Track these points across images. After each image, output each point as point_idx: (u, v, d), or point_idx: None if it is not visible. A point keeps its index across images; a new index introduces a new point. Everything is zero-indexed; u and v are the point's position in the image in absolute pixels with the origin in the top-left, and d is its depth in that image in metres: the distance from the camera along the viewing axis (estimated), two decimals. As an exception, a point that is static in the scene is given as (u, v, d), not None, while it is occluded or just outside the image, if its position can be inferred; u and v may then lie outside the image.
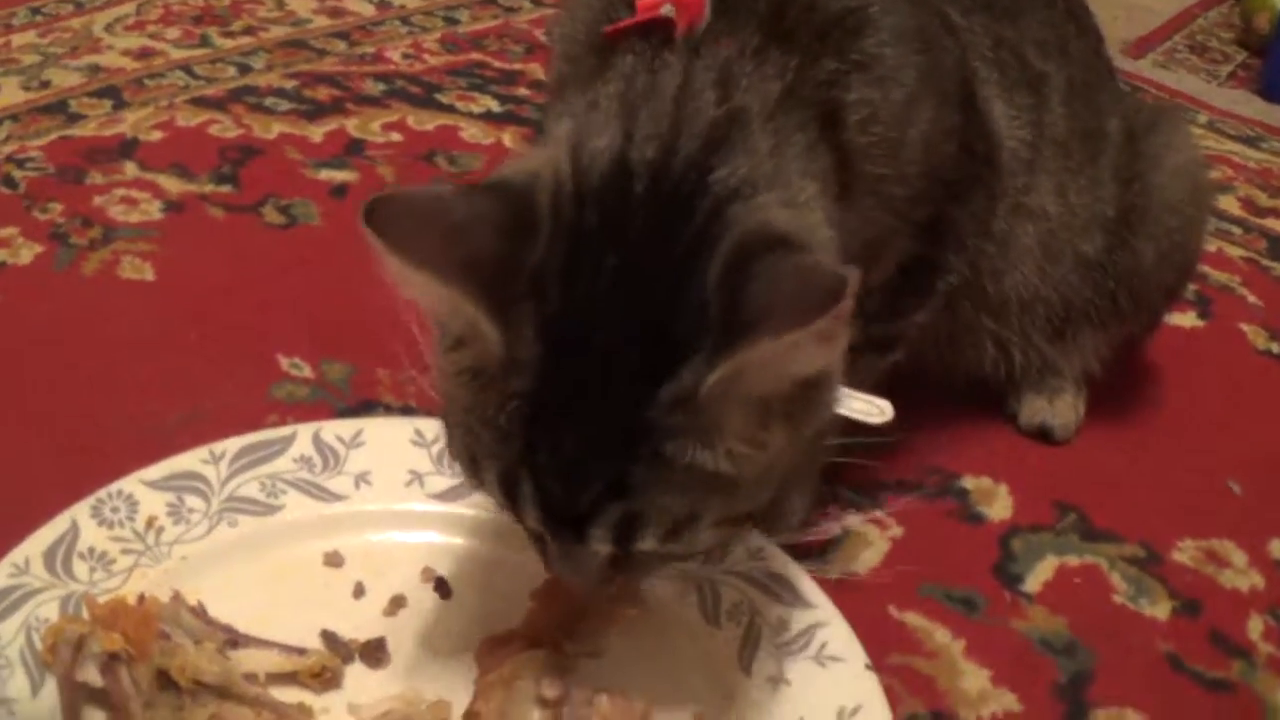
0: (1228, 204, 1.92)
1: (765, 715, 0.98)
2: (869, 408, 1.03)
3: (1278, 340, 1.61)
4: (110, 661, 0.94)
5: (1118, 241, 1.28)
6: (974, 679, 1.10)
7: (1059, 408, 1.37)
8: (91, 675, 0.94)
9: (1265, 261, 1.79)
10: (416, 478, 1.17)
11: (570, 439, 0.78)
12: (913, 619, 1.08)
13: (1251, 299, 1.69)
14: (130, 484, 1.11)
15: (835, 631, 1.04)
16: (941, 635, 1.13)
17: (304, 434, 1.17)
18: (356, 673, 1.03)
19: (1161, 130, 1.33)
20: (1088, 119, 1.26)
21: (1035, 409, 1.38)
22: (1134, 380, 1.47)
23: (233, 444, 1.15)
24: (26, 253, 1.50)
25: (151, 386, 1.28)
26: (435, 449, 1.17)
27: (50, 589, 1.01)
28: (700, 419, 0.77)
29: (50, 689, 0.95)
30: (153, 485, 1.12)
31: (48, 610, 0.99)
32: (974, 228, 1.13)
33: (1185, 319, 1.61)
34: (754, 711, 0.97)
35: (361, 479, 1.16)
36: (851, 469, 1.13)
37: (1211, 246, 1.75)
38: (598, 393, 0.78)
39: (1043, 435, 1.38)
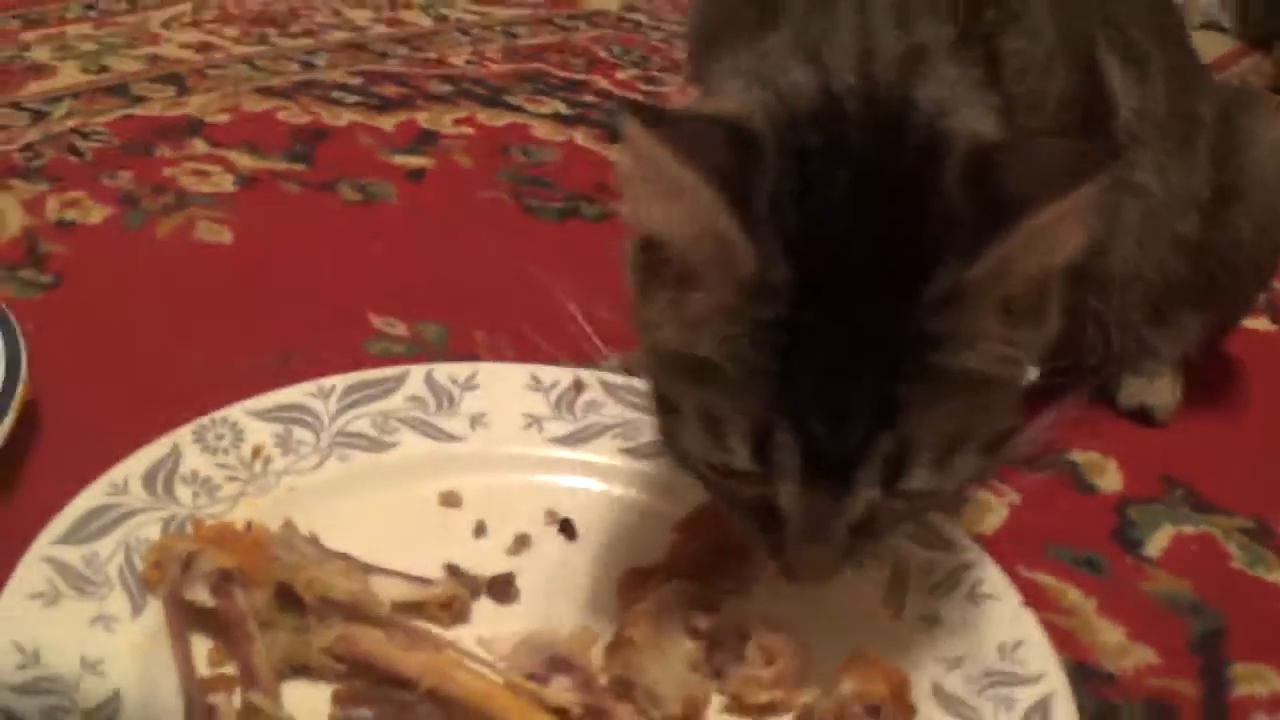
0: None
1: (921, 653, 0.89)
2: None
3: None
4: (223, 580, 0.85)
5: (1214, 221, 1.22)
6: (1111, 634, 1.02)
7: (1158, 388, 1.31)
8: (201, 594, 0.85)
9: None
10: (535, 421, 1.08)
11: (832, 366, 0.71)
12: (1043, 578, 1.00)
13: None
14: (234, 413, 1.01)
15: (985, 572, 0.95)
16: (1074, 594, 1.05)
17: (416, 374, 1.09)
18: (484, 608, 0.94)
19: (1252, 111, 1.27)
20: (1184, 102, 1.21)
21: (1134, 389, 1.31)
22: (1224, 369, 1.42)
23: (341, 380, 1.07)
24: (97, 214, 1.42)
25: (238, 338, 1.20)
26: (554, 394, 1.10)
27: (150, 510, 0.91)
28: (964, 321, 0.71)
29: (154, 610, 0.85)
30: (258, 415, 1.02)
31: (149, 531, 0.89)
32: None
33: (1258, 323, 1.53)
34: (910, 650, 0.88)
35: (477, 420, 1.08)
36: None
37: None
38: (855, 311, 0.71)
39: (1142, 416, 1.31)
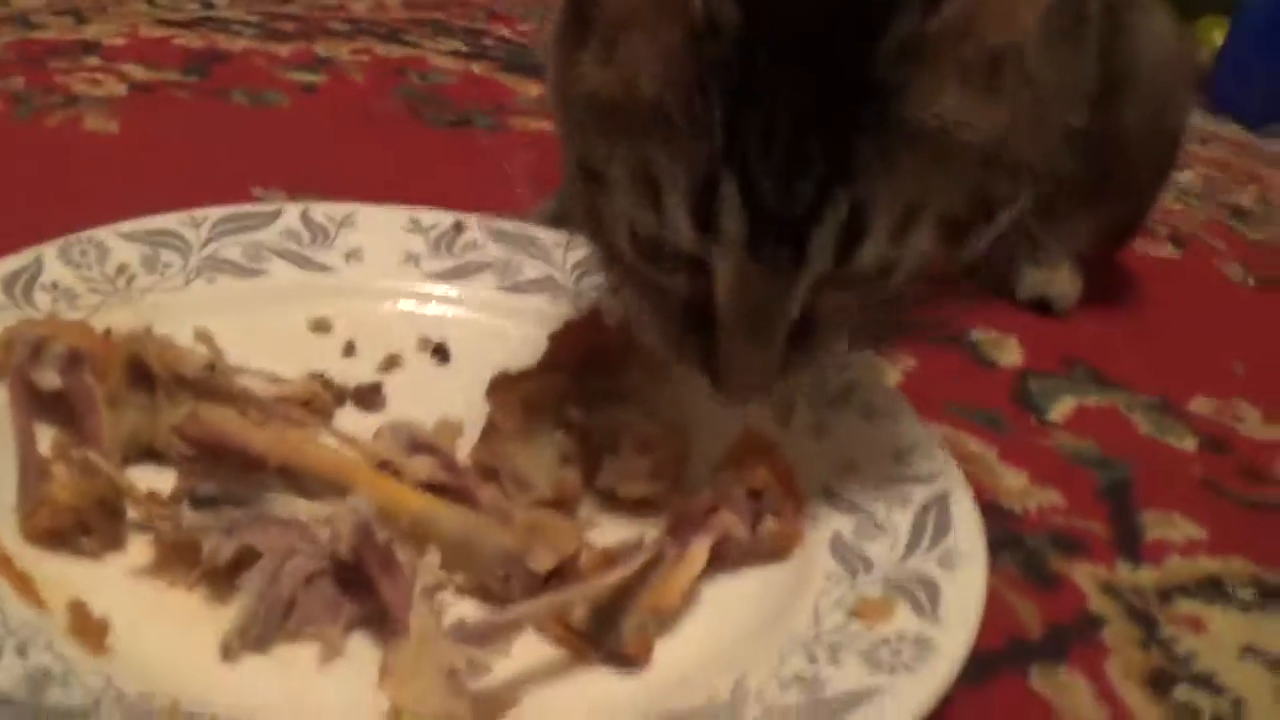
0: (1189, 179, 1.85)
1: (811, 460, 0.84)
2: None
3: (1254, 276, 1.52)
4: (71, 362, 0.79)
5: (1103, 112, 1.17)
6: (1014, 479, 0.97)
7: (1057, 279, 1.27)
8: (49, 378, 0.78)
9: (1230, 222, 1.71)
10: (412, 258, 1.03)
11: (784, 113, 0.63)
12: (942, 430, 0.92)
13: (1222, 247, 1.59)
14: (102, 233, 0.95)
15: (877, 390, 0.90)
16: (974, 444, 1.00)
17: (292, 210, 1.03)
18: (348, 416, 0.87)
19: (1136, 3, 1.23)
20: None
21: (1033, 281, 1.27)
22: (1125, 279, 1.39)
23: (214, 211, 1.00)
24: (-13, 111, 1.28)
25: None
26: (433, 234, 1.05)
27: (5, 310, 0.85)
28: (924, 74, 0.64)
29: (-1, 396, 0.74)
30: (126, 237, 0.96)
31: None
32: None
33: (1162, 249, 1.46)
34: (799, 457, 0.83)
35: (353, 255, 1.02)
36: None
37: (1176, 205, 1.69)
38: (810, 56, 0.64)
39: (1042, 307, 1.27)
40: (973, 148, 0.70)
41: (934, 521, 0.77)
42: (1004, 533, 0.89)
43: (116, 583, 0.70)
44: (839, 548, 0.77)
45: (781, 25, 0.67)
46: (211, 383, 0.79)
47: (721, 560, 0.76)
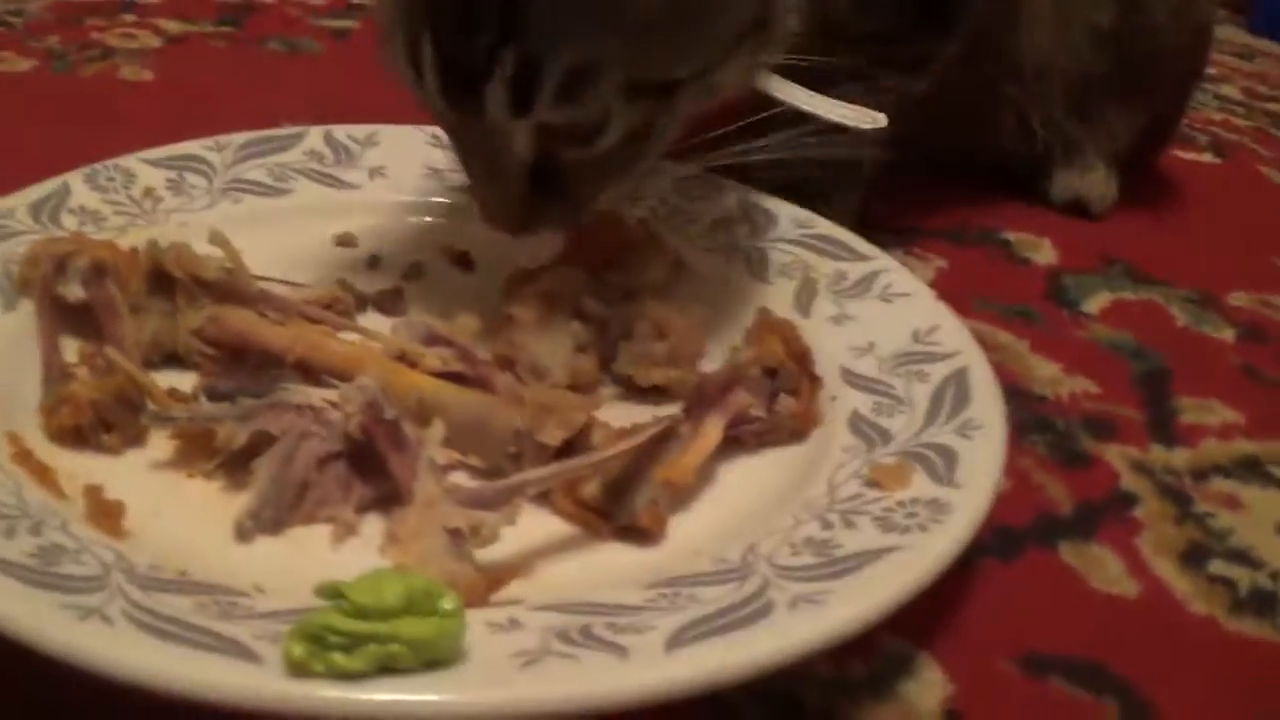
0: (1229, 90, 1.82)
1: (830, 344, 0.84)
2: (860, 114, 0.91)
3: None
4: (95, 273, 0.79)
5: (1131, 7, 1.16)
6: (1045, 368, 0.96)
7: (1091, 181, 1.24)
8: (73, 291, 0.79)
9: (1273, 130, 1.67)
10: (435, 173, 1.02)
11: None
12: (972, 325, 0.89)
13: (1265, 153, 1.56)
14: (128, 160, 0.96)
15: (898, 276, 0.89)
16: (1005, 337, 0.99)
17: (315, 132, 1.03)
18: (370, 321, 0.88)
19: None
20: None
21: (1067, 183, 1.25)
22: (1163, 183, 1.36)
23: (238, 136, 1.01)
24: (23, 64, 1.37)
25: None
26: None
27: (33, 233, 0.86)
28: None
29: (25, 309, 0.80)
30: (152, 163, 0.97)
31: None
32: None
33: (1203, 156, 1.43)
34: (818, 343, 0.82)
35: (376, 172, 1.02)
36: (884, 213, 1.06)
37: (1218, 115, 1.66)
38: None
39: (1077, 209, 1.25)
40: (651, 10, 0.71)
41: (952, 395, 0.77)
42: (1033, 416, 0.88)
43: (135, 475, 0.71)
44: (857, 423, 0.77)
45: None
46: (230, 285, 0.80)
47: (738, 440, 0.75)
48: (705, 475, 0.73)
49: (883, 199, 1.07)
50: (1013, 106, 1.17)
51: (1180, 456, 0.85)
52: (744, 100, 0.88)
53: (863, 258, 0.91)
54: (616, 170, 0.75)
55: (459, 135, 0.74)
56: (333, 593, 0.54)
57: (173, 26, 1.52)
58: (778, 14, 0.80)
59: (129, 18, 1.54)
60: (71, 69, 1.36)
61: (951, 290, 0.90)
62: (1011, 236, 1.17)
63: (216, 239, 0.80)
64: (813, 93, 0.91)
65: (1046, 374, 0.95)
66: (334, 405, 0.69)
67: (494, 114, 0.69)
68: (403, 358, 0.76)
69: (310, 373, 0.75)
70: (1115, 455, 0.85)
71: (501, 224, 0.76)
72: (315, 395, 0.71)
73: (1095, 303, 1.06)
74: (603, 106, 0.70)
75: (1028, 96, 1.16)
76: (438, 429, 0.68)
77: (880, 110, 0.94)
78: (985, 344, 0.86)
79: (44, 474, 0.68)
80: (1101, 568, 0.75)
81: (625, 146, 0.73)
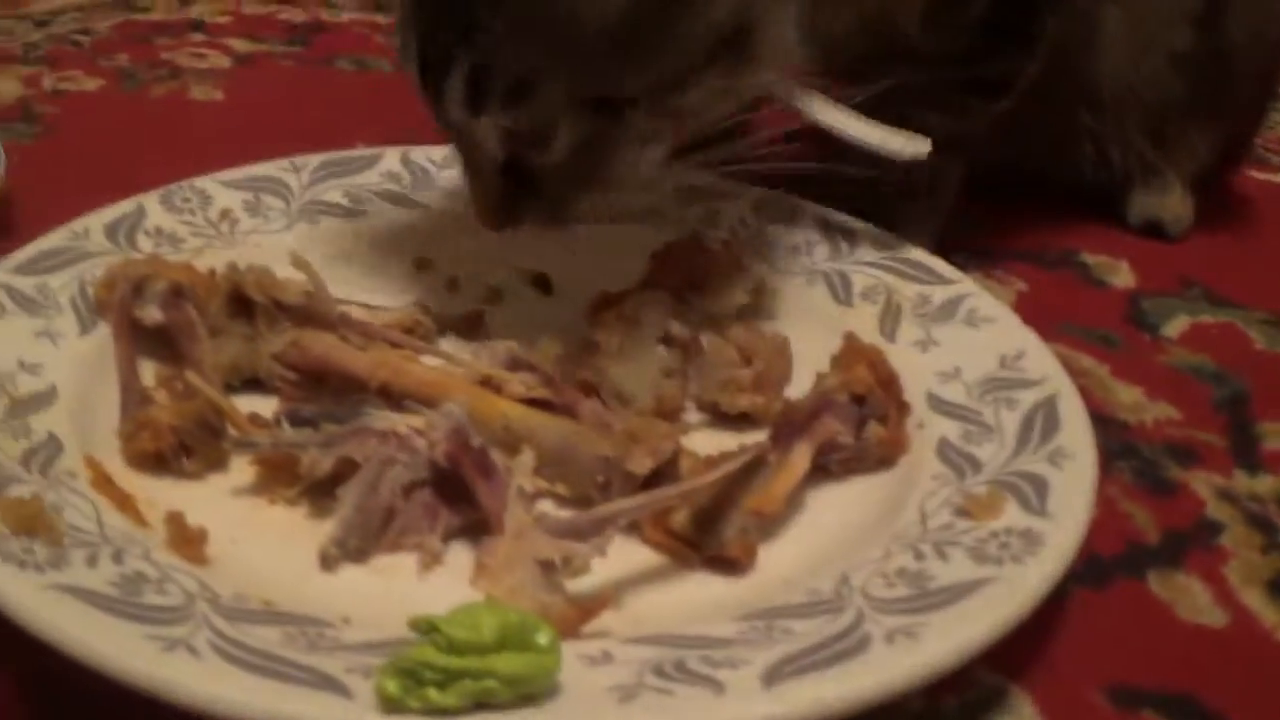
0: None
1: (917, 370, 0.82)
2: (899, 140, 0.89)
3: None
4: (173, 297, 0.79)
5: (1207, 30, 1.13)
6: (1127, 394, 0.94)
7: (1169, 203, 1.21)
8: (151, 313, 0.79)
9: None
10: (513, 195, 0.95)
11: None
12: (1054, 349, 0.88)
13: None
14: (204, 181, 0.96)
15: (982, 300, 0.88)
16: (1087, 361, 0.97)
17: (392, 154, 1.03)
18: (451, 345, 0.87)
19: None
20: None
21: (1144, 204, 1.22)
22: (1238, 200, 1.32)
23: (315, 158, 1.00)
24: (92, 84, 1.36)
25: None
26: None
27: (109, 254, 0.85)
28: None
29: (102, 332, 0.79)
30: (228, 184, 0.96)
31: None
32: None
33: (1276, 176, 1.40)
34: (904, 369, 0.80)
35: (454, 194, 0.99)
36: (962, 234, 1.04)
37: None
38: None
39: (1154, 230, 1.22)
40: (596, 25, 0.71)
41: (1042, 422, 0.76)
42: (1119, 443, 0.87)
43: (217, 501, 0.70)
44: (946, 451, 0.75)
45: None
46: (311, 309, 0.79)
47: (826, 467, 0.74)
48: (793, 503, 0.72)
49: (960, 220, 1.06)
50: (1090, 135, 1.15)
51: (1264, 484, 0.84)
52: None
53: (946, 281, 0.90)
54: (585, 179, 0.76)
55: (441, 126, 0.77)
56: (426, 627, 0.52)
57: (242, 46, 1.51)
58: (761, 33, 0.79)
59: (198, 37, 1.53)
60: (141, 88, 1.36)
61: (1032, 313, 0.89)
62: (1089, 259, 1.15)
63: (298, 262, 0.79)
64: (852, 113, 0.90)
65: (1129, 399, 0.94)
66: (419, 432, 0.68)
67: (454, 112, 0.73)
68: (486, 383, 0.75)
69: (393, 398, 0.74)
70: (1200, 482, 0.84)
71: (483, 218, 0.79)
72: (399, 421, 0.70)
73: (1174, 326, 1.04)
74: (549, 116, 0.72)
75: (1105, 124, 1.15)
76: (528, 457, 0.67)
77: (962, 134, 0.93)
78: (1068, 369, 0.84)
79: (124, 500, 0.67)
80: (1189, 597, 0.74)
81: (585, 157, 0.75)
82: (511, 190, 0.77)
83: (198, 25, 1.57)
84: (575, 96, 0.72)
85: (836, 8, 0.91)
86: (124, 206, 0.90)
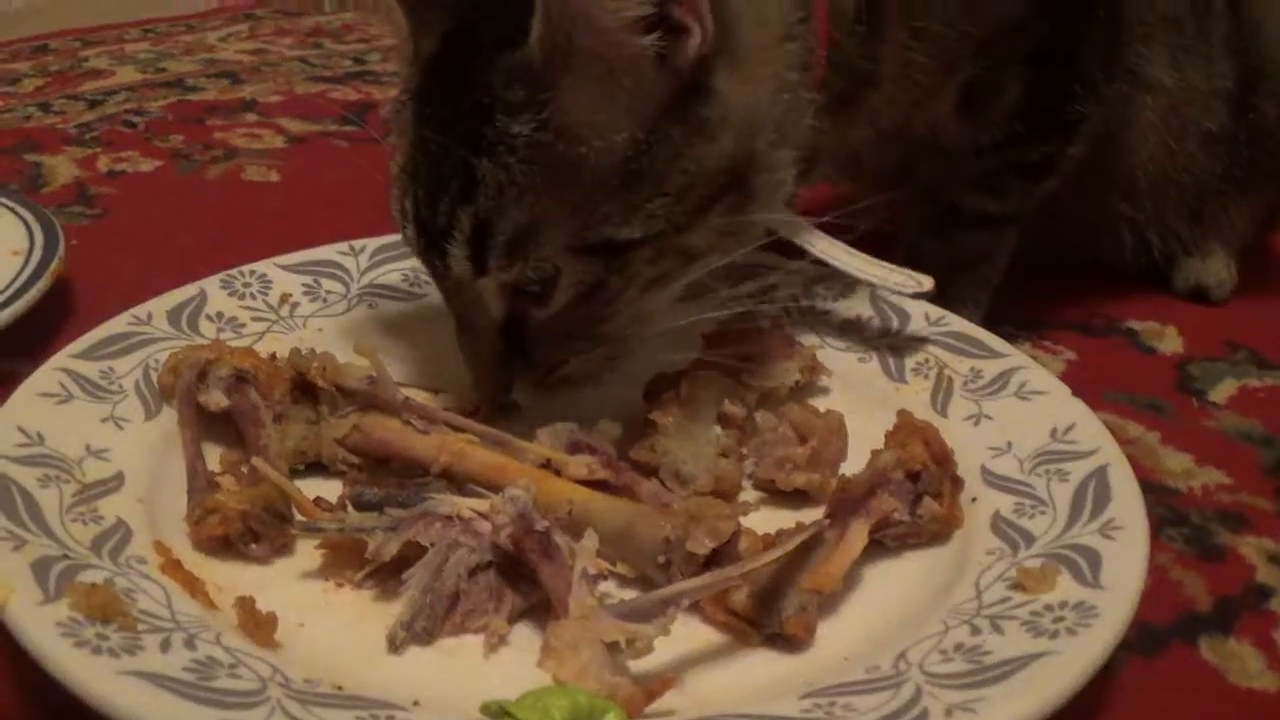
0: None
1: (969, 445, 0.83)
2: (905, 279, 0.92)
3: None
4: (237, 382, 0.81)
5: (1241, 109, 1.14)
6: (1177, 461, 0.95)
7: (1212, 267, 1.23)
8: (216, 398, 0.80)
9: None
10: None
11: (436, 134, 0.73)
12: (1104, 417, 0.88)
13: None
14: (264, 265, 0.97)
15: (1033, 373, 0.89)
16: (1135, 429, 0.98)
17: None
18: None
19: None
20: None
21: (1188, 271, 1.23)
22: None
23: (372, 241, 1.02)
24: (147, 165, 1.38)
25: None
26: None
27: (172, 340, 0.87)
28: (539, 87, 0.71)
29: (167, 416, 0.81)
30: (287, 268, 0.98)
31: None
32: (1095, 60, 1.03)
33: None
34: (956, 444, 0.81)
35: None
36: (1014, 303, 1.06)
37: None
38: (455, 80, 0.73)
39: (1199, 295, 1.23)
40: (591, 174, 0.72)
41: (1094, 494, 0.76)
42: (1169, 510, 0.88)
43: (285, 585, 0.71)
44: (999, 525, 0.76)
45: (452, 51, 0.76)
46: (374, 394, 0.80)
47: (882, 543, 0.75)
48: (850, 580, 0.73)
49: (1008, 291, 1.08)
50: (1128, 223, 1.17)
51: (1316, 548, 0.83)
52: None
53: (996, 355, 0.91)
54: (579, 330, 0.77)
55: (441, 290, 0.79)
56: (498, 711, 0.54)
57: (295, 126, 1.53)
58: (762, 172, 0.81)
59: (250, 117, 1.56)
60: (197, 170, 1.38)
61: (1081, 382, 0.90)
62: (1137, 325, 1.16)
63: (362, 349, 0.80)
64: (851, 250, 0.92)
65: (1178, 466, 0.94)
66: (482, 515, 0.70)
67: (457, 272, 0.74)
68: (548, 466, 0.76)
69: (456, 481, 0.76)
70: (1250, 548, 0.85)
71: (485, 394, 0.81)
72: (463, 505, 0.71)
73: (1222, 391, 1.05)
74: (550, 264, 0.73)
75: (1142, 212, 1.16)
76: (591, 540, 0.68)
77: (1005, 214, 0.97)
78: (1118, 437, 0.85)
79: (194, 585, 0.68)
80: (1240, 663, 0.75)
81: (583, 305, 0.75)
82: (506, 358, 0.77)
83: (250, 105, 1.57)
84: (577, 242, 0.72)
85: (847, 129, 0.93)
86: (186, 291, 0.92)
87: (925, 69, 0.93)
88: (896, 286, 0.92)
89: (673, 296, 0.80)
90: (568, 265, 0.73)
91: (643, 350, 0.81)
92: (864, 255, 0.90)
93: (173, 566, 0.69)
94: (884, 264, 0.91)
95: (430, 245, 0.75)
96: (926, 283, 0.91)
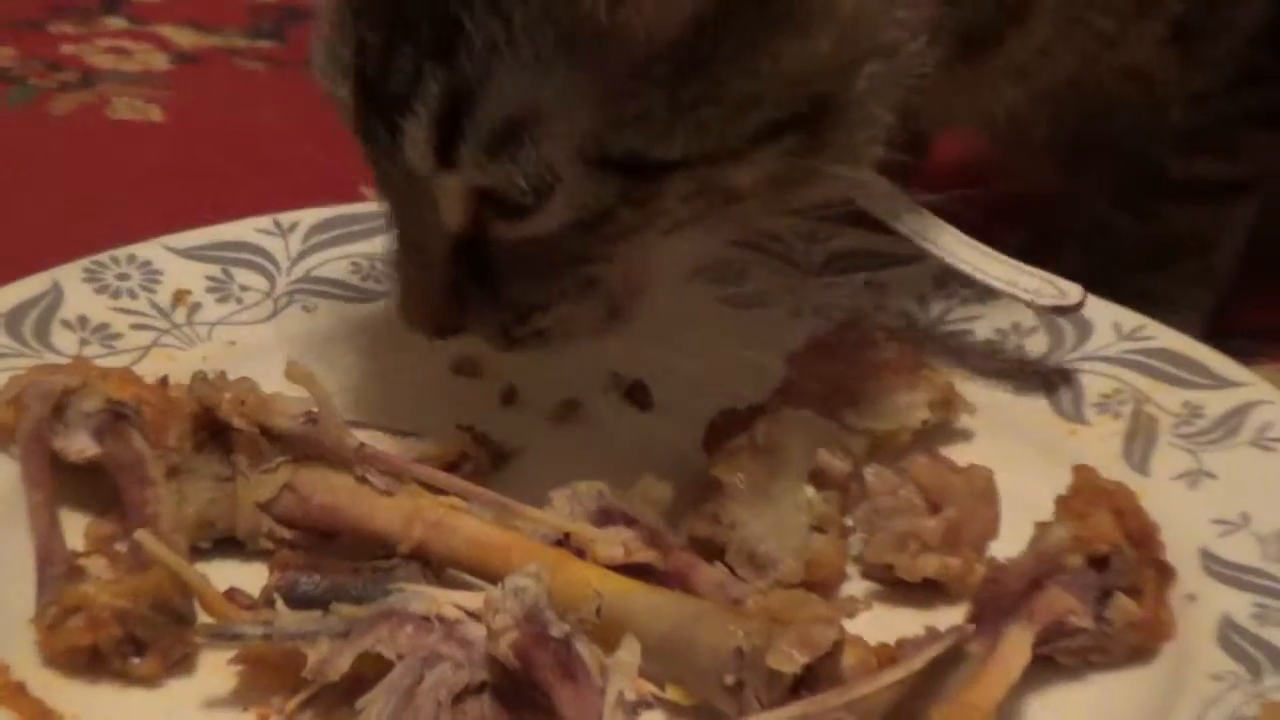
0: None
1: (1181, 516, 0.85)
2: (1039, 284, 0.93)
3: None
4: (111, 420, 0.82)
5: None
6: None
7: None
8: (79, 442, 0.82)
9: None
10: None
11: None
12: None
13: None
14: (147, 249, 1.00)
15: (1277, 411, 0.88)
16: None
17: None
18: (511, 482, 0.87)
19: None
20: None
21: None
22: None
23: (308, 215, 1.05)
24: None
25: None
26: None
27: (11, 357, 0.90)
28: None
29: (7, 471, 0.84)
30: (182, 253, 1.01)
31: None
32: None
33: None
34: (1163, 515, 0.81)
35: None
36: (1250, 308, 1.08)
37: None
38: None
39: None
40: (636, 49, 0.72)
41: (1368, 593, 0.74)
42: None
43: (182, 717, 0.73)
44: (1229, 636, 0.78)
45: None
46: (314, 439, 0.81)
47: (1053, 660, 0.77)
48: (1007, 713, 0.74)
49: (1242, 291, 1.10)
50: None
51: None
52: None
53: (1225, 383, 0.93)
54: (561, 270, 0.78)
55: (381, 184, 0.79)
56: None
57: (184, 38, 1.55)
58: (846, 109, 0.81)
59: (116, 22, 1.58)
60: (37, 100, 1.40)
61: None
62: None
63: (298, 375, 0.81)
64: (983, 248, 0.94)
65: None
66: (473, 615, 0.71)
67: (411, 159, 0.73)
68: (566, 542, 0.77)
69: (434, 565, 0.78)
70: None
71: (414, 318, 0.81)
72: (445, 600, 0.72)
73: None
74: (546, 174, 0.72)
75: None
76: (630, 653, 0.69)
77: (1238, 180, 1.01)
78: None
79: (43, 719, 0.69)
80: None
81: (575, 238, 0.76)
82: (458, 284, 0.78)
83: (114, 5, 1.61)
84: (592, 148, 0.72)
85: (977, 88, 0.96)
86: (31, 286, 0.94)
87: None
88: (1027, 295, 0.93)
89: (692, 253, 0.82)
90: (571, 178, 0.73)
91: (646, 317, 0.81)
92: (983, 247, 0.92)
93: (12, 693, 0.70)
94: (1010, 261, 0.93)
95: (374, 115, 0.74)
96: (1073, 293, 0.93)
